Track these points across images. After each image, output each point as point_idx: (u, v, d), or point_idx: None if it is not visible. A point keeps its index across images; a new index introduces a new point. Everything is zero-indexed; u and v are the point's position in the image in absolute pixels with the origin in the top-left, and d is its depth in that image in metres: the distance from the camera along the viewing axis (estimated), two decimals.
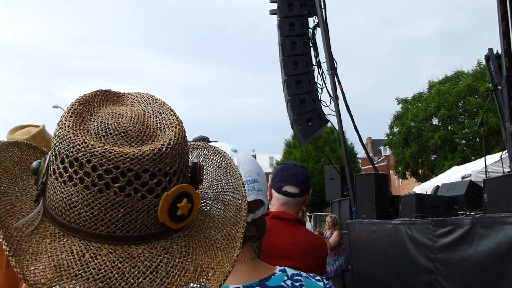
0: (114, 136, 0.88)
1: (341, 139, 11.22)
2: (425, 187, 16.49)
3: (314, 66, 11.42)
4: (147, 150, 0.85)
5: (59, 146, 0.86)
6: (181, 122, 0.96)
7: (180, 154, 0.91)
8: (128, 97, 1.05)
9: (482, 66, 28.93)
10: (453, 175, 15.20)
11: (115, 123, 0.90)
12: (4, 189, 0.94)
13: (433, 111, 29.74)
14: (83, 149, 0.83)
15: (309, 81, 11.21)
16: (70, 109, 0.92)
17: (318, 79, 11.39)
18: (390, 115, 34.80)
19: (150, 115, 0.97)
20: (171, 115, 0.96)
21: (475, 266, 4.87)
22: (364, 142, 12.37)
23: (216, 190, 1.14)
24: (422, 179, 31.50)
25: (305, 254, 2.71)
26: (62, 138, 0.86)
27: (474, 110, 28.30)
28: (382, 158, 69.27)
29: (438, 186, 7.91)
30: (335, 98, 10.86)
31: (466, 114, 29.91)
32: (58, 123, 0.90)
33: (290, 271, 1.46)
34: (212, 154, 1.24)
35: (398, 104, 33.82)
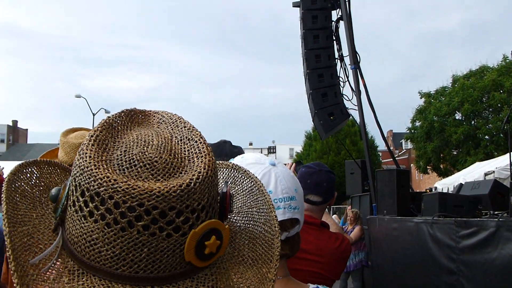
0: (139, 168, 0.82)
1: (362, 135, 11.11)
2: (447, 183, 16.29)
3: (336, 60, 11.28)
4: (174, 186, 0.79)
5: (79, 178, 0.81)
6: (211, 151, 0.89)
7: (210, 188, 0.85)
8: (154, 116, 0.99)
9: (508, 60, 28.45)
10: (476, 171, 14.97)
11: (140, 153, 0.84)
12: (21, 218, 0.89)
13: (457, 105, 29.27)
14: (105, 183, 0.77)
15: (331, 74, 11.08)
16: (92, 136, 0.86)
17: (340, 72, 11.27)
18: (412, 109, 34.38)
19: (178, 141, 0.91)
20: (200, 142, 0.90)
21: (499, 270, 4.77)
22: (385, 135, 12.22)
23: (246, 219, 1.07)
24: (443, 174, 31.15)
25: (332, 258, 2.69)
26: (83, 169, 0.80)
27: (499, 105, 27.77)
28: (403, 151, 68.75)
29: (461, 184, 7.77)
30: (357, 93, 10.75)
31: (490, 110, 29.40)
32: (79, 152, 0.84)
33: None
34: (243, 177, 1.17)
35: (421, 98, 33.41)
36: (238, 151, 2.65)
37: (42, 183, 1.01)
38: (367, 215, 10.37)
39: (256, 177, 1.15)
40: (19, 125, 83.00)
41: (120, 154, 0.84)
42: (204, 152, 0.88)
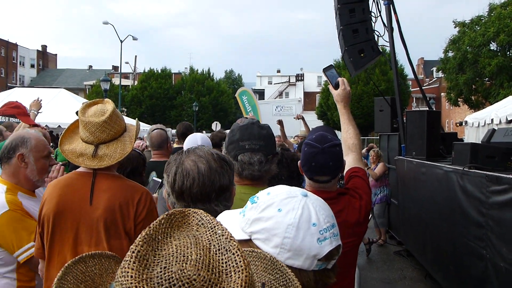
0: None
1: (394, 73, 10.89)
2: (478, 117, 16.02)
3: None
4: None
5: None
6: (248, 264, 0.90)
7: None
8: (193, 217, 1.01)
9: None
10: (509, 106, 14.60)
11: (179, 271, 0.85)
12: None
13: (492, 36, 28.38)
14: None
15: (363, 9, 10.68)
16: (133, 252, 0.88)
17: (372, 7, 10.87)
18: (445, 38, 33.51)
19: (216, 251, 0.92)
20: (237, 255, 0.91)
21: None
22: (416, 63, 11.93)
23: None
24: (475, 106, 30.68)
25: (354, 228, 2.71)
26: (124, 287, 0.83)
27: None
28: (433, 80, 67.42)
29: (493, 130, 7.58)
30: (389, 29, 10.46)
31: None
32: (121, 267, 0.86)
33: None
34: (280, 273, 1.20)
35: (455, 27, 32.46)
36: (267, 132, 2.60)
37: (88, 278, 1.08)
38: (395, 155, 10.33)
39: (292, 275, 1.14)
40: (49, 50, 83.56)
41: (160, 272, 0.85)
42: (241, 266, 0.89)
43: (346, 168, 2.96)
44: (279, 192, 1.42)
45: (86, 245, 2.71)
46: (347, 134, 3.10)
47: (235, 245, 0.93)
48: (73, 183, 2.82)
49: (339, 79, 3.17)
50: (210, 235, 0.95)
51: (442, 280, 7.13)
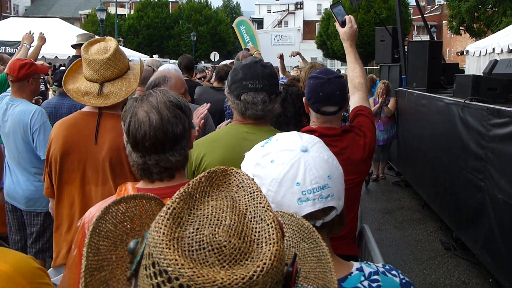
0: (207, 252, 0.83)
1: (396, 2, 10.67)
2: (479, 46, 15.79)
3: None
4: (236, 278, 0.79)
5: (152, 249, 0.84)
6: (281, 238, 0.89)
7: (273, 276, 0.85)
8: (235, 177, 1.01)
9: None
10: (511, 34, 14.36)
11: (211, 235, 0.85)
12: (100, 263, 0.96)
13: None
14: (173, 265, 0.79)
15: None
16: (169, 208, 0.87)
17: None
18: None
19: (251, 218, 0.91)
20: (271, 226, 0.89)
21: None
22: None
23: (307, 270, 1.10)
24: (477, 35, 30.18)
25: (358, 164, 2.73)
26: (156, 243, 0.83)
27: None
28: (435, 7, 66.16)
29: (496, 61, 7.50)
30: None
31: None
32: (155, 221, 0.86)
33: (367, 270, 1.41)
34: (312, 242, 1.19)
35: None
36: (270, 71, 2.56)
37: (128, 218, 1.08)
38: (396, 87, 10.28)
39: (326, 249, 1.14)
40: None
41: (192, 232, 0.85)
42: (273, 239, 0.87)
43: (352, 107, 2.97)
44: (282, 142, 1.41)
45: (93, 184, 2.75)
46: (353, 72, 3.07)
47: (271, 215, 0.91)
48: (78, 122, 2.83)
49: (346, 16, 3.10)
50: (248, 200, 0.95)
51: (439, 210, 7.26)
